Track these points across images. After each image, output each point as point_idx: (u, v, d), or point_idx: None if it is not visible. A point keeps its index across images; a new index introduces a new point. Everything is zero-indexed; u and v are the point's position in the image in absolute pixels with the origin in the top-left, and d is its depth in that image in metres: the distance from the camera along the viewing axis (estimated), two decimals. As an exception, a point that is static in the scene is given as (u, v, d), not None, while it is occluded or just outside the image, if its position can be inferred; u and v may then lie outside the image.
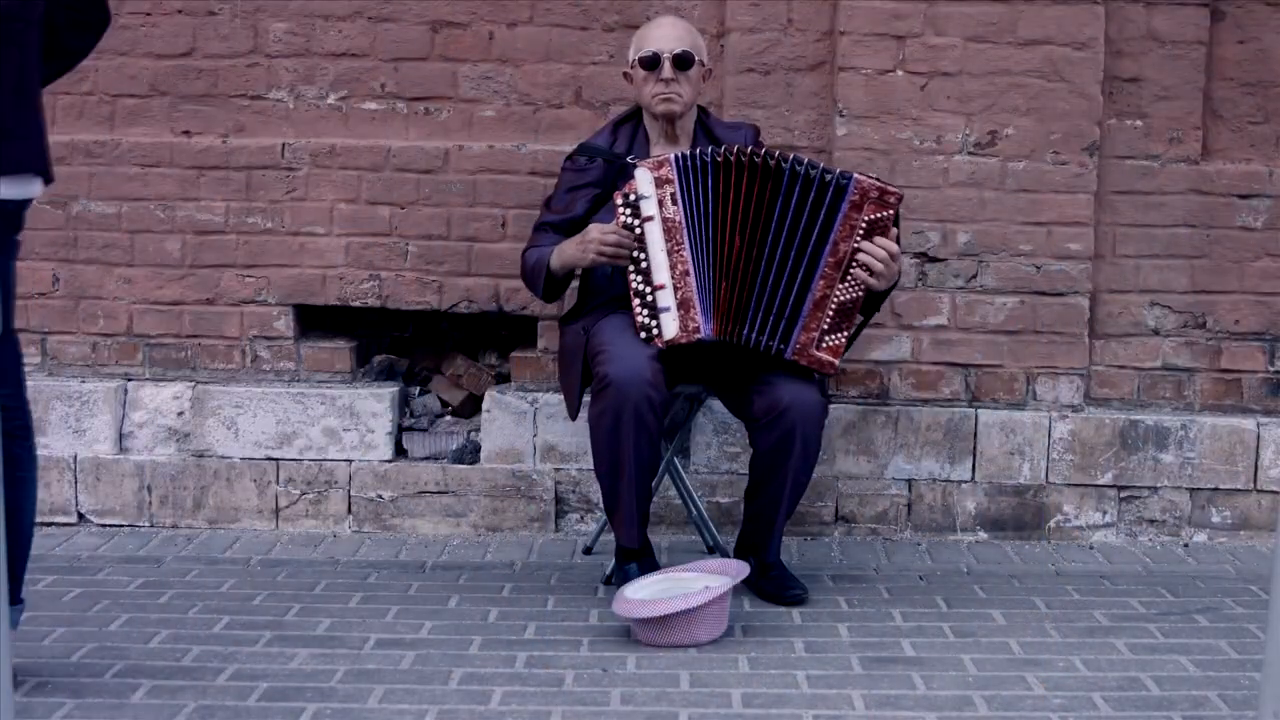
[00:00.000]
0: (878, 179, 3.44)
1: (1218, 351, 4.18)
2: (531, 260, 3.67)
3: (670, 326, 3.42)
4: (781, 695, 2.91)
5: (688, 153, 3.45)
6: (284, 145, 4.18)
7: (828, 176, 3.39)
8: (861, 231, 3.39)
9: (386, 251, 4.20)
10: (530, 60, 4.19)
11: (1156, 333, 4.18)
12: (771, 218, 3.41)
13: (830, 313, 3.42)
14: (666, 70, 3.57)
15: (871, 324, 4.07)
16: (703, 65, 3.66)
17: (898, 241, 3.45)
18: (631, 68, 3.67)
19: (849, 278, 3.41)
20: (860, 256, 3.39)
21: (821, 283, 3.41)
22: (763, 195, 3.41)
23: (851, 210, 3.38)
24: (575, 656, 3.13)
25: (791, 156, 3.42)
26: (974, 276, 4.10)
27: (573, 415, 3.65)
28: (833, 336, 3.44)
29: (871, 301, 3.51)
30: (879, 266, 3.39)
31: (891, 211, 3.40)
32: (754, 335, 3.45)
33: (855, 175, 3.40)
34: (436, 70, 4.20)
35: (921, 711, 2.83)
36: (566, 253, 3.56)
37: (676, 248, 3.42)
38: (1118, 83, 4.10)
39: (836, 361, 3.45)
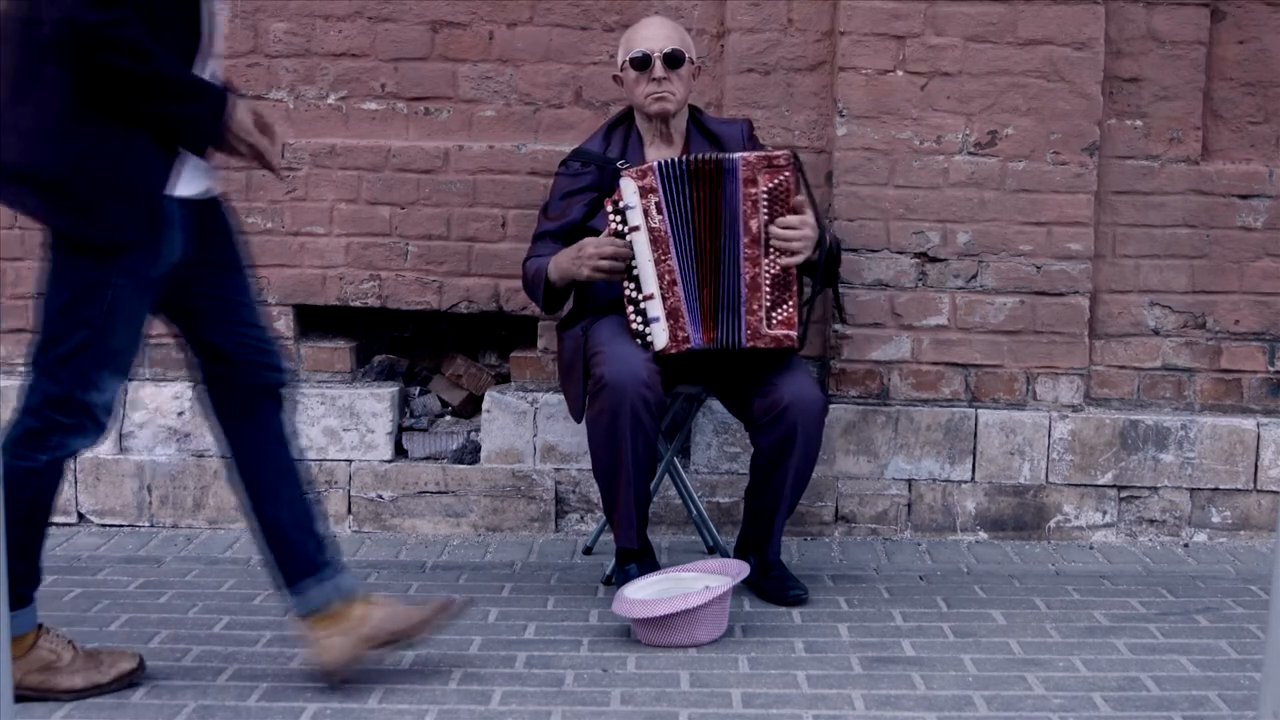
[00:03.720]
0: (764, 150, 3.48)
1: (1218, 351, 4.18)
2: (530, 271, 3.67)
3: (661, 337, 3.44)
4: (781, 695, 2.91)
5: (671, 160, 3.45)
6: (284, 145, 4.17)
7: (724, 163, 3.42)
8: (765, 204, 3.43)
9: (386, 251, 4.20)
10: (530, 60, 4.19)
11: (1156, 333, 4.18)
12: (722, 218, 3.44)
13: (767, 290, 3.45)
14: (658, 69, 3.57)
15: (872, 324, 4.08)
16: (693, 63, 3.66)
17: (812, 202, 3.49)
18: (622, 70, 3.67)
19: (771, 252, 3.44)
20: (773, 240, 3.43)
21: (747, 264, 3.44)
22: (719, 196, 3.44)
23: (746, 186, 3.42)
24: (575, 656, 3.13)
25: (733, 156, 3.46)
26: (974, 276, 4.10)
27: (577, 417, 3.65)
28: (779, 311, 3.46)
29: (811, 268, 3.53)
30: (792, 243, 3.43)
31: (787, 174, 3.43)
32: (721, 336, 3.47)
33: (741, 154, 3.44)
34: (436, 70, 4.20)
35: (921, 711, 2.83)
36: (563, 265, 3.56)
37: (664, 257, 3.43)
38: (1118, 83, 4.10)
39: (794, 333, 3.47)
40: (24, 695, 2.80)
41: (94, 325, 2.70)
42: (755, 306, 3.45)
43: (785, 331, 3.46)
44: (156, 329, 4.21)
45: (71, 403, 2.73)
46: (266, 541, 2.95)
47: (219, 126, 2.72)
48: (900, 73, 4.04)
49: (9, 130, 2.63)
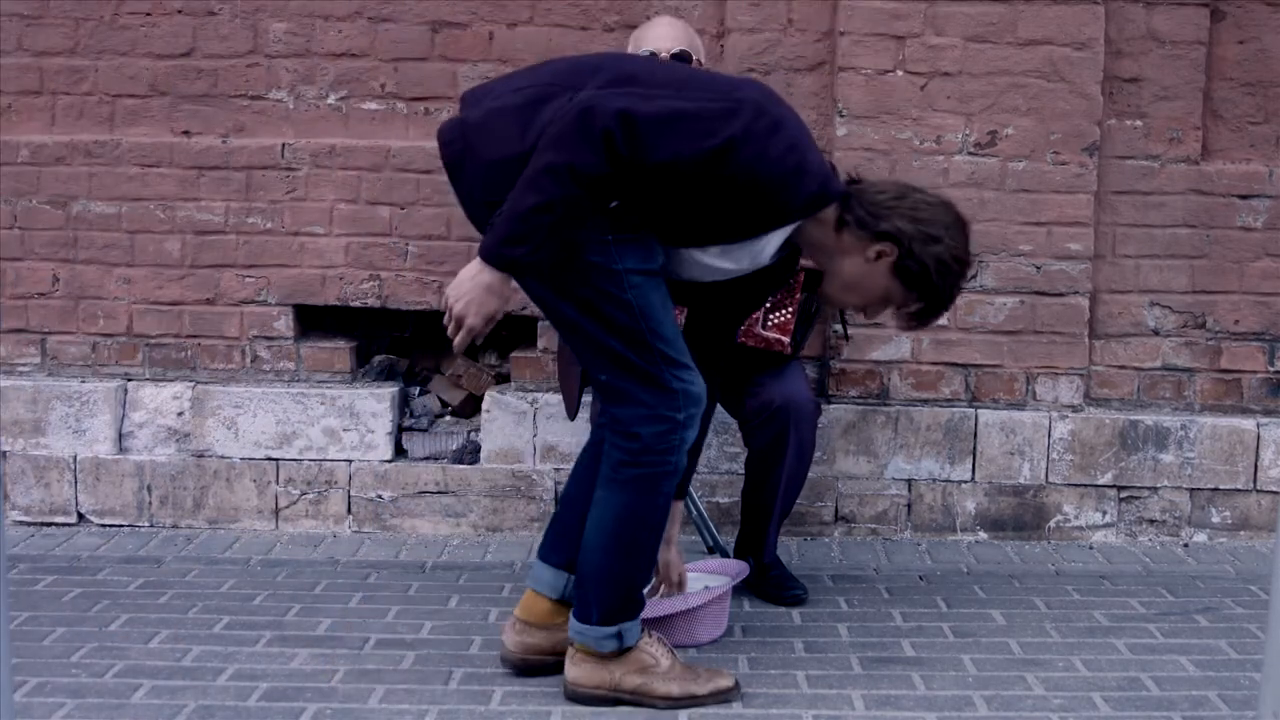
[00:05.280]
0: None
1: (1218, 351, 4.19)
2: None
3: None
4: (781, 695, 2.90)
5: None
6: (284, 145, 4.18)
7: None
8: None
9: (386, 251, 4.20)
10: (530, 60, 4.17)
11: (1156, 333, 4.18)
12: None
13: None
14: None
15: (872, 324, 4.08)
16: (700, 64, 3.65)
17: None
18: (629, 68, 3.66)
19: None
20: None
21: None
22: None
23: None
24: (575, 656, 3.13)
25: None
26: (974, 276, 4.10)
27: (571, 415, 3.65)
28: (776, 315, 3.46)
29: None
30: None
31: None
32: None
33: None
34: (436, 70, 4.20)
35: (921, 711, 2.83)
36: None
37: None
38: (1118, 83, 4.10)
39: (786, 339, 3.46)
40: (622, 699, 2.82)
41: (640, 324, 2.70)
42: None
43: (778, 336, 3.46)
44: (158, 331, 4.23)
45: (672, 395, 2.73)
46: (563, 509, 2.99)
47: (512, 253, 2.60)
48: (900, 73, 4.04)
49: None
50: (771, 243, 2.75)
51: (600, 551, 2.80)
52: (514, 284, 2.68)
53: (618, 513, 2.78)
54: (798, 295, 3.47)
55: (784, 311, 3.46)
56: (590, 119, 2.55)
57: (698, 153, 2.59)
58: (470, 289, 2.62)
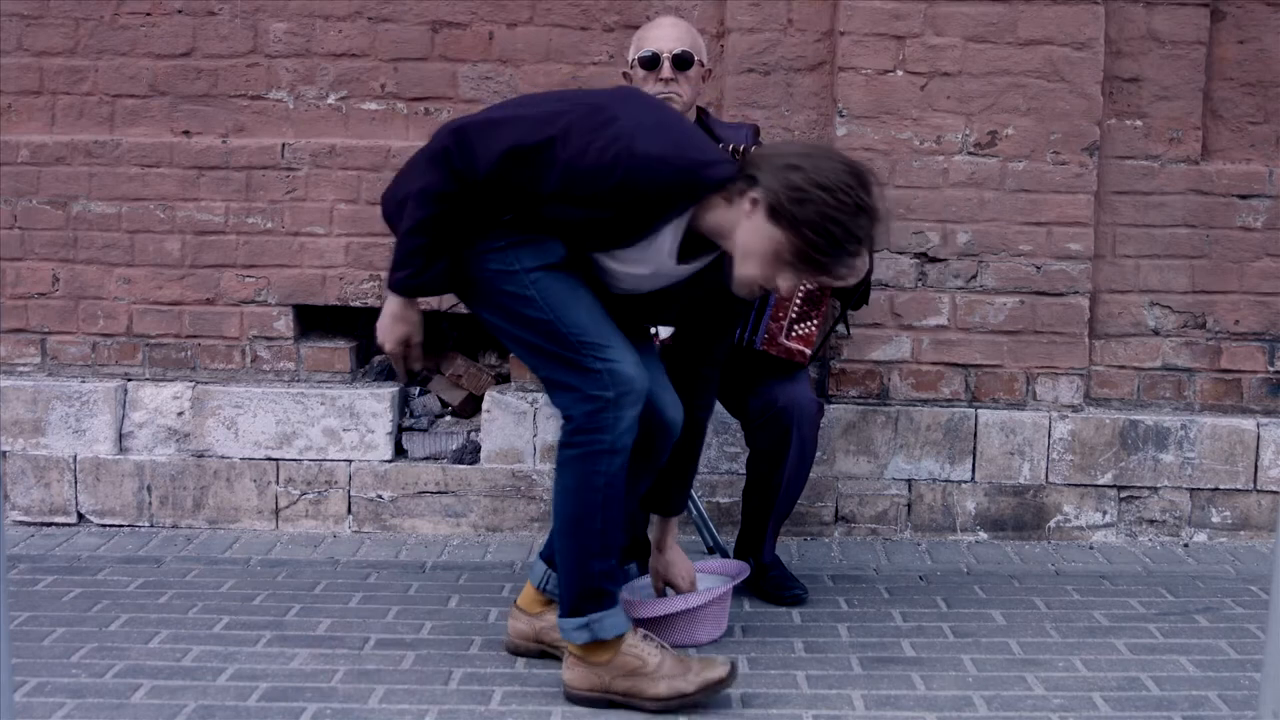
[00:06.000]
0: None
1: (1218, 351, 4.19)
2: None
3: (665, 327, 3.43)
4: (781, 695, 2.91)
5: None
6: (284, 145, 4.18)
7: None
8: None
9: (386, 251, 4.16)
10: (530, 60, 4.19)
11: (1156, 333, 4.18)
12: None
13: (796, 302, 3.45)
14: (666, 70, 3.56)
15: (872, 324, 4.08)
16: (702, 65, 3.64)
17: None
18: (631, 68, 3.66)
19: None
20: None
21: None
22: None
23: None
24: (575, 656, 3.13)
25: None
26: (974, 276, 4.10)
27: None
28: (801, 325, 3.46)
29: (848, 291, 3.51)
30: None
31: None
32: (737, 332, 3.47)
33: None
34: (436, 70, 4.20)
35: (921, 711, 2.83)
36: None
37: None
38: (1118, 83, 4.11)
39: (808, 351, 3.47)
40: (613, 702, 2.81)
41: (548, 314, 2.77)
42: (780, 314, 3.45)
43: (800, 347, 3.47)
44: (158, 331, 4.24)
45: (596, 375, 2.74)
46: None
47: (397, 277, 2.83)
48: (900, 73, 4.04)
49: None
50: (665, 241, 2.74)
51: (556, 536, 2.87)
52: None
53: (562, 495, 2.82)
54: (824, 308, 3.47)
55: (808, 324, 3.46)
56: (434, 141, 2.74)
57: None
58: (383, 318, 2.87)
